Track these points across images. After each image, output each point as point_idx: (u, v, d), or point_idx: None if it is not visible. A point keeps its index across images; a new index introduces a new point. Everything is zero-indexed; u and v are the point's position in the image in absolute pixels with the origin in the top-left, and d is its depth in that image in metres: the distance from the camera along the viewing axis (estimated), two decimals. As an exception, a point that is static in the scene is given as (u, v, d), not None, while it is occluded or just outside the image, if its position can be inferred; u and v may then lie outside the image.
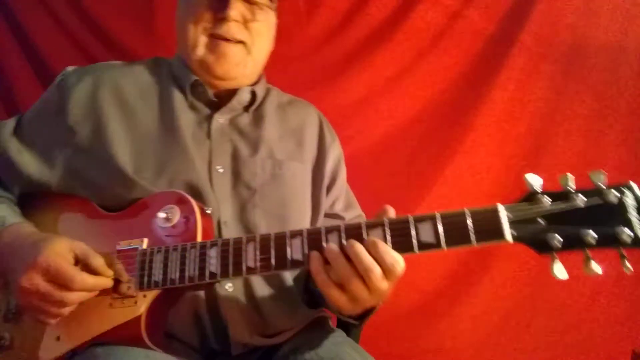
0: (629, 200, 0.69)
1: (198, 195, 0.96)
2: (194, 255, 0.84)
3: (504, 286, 1.73)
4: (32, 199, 1.04)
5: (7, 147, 1.03)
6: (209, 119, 1.06)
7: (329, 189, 1.16)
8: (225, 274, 0.82)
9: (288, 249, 0.80)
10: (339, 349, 0.95)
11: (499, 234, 0.71)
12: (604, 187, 0.70)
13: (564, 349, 1.69)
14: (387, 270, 0.74)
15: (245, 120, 1.11)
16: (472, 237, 0.72)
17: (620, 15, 1.75)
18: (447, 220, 0.74)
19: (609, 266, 0.69)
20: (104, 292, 0.86)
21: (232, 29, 1.03)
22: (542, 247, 0.71)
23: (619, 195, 0.69)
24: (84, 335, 0.85)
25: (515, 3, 1.80)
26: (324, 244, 0.78)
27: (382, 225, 0.77)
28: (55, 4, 1.87)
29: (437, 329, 1.75)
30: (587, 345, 1.68)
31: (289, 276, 1.05)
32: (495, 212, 0.72)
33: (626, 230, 0.68)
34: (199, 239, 0.87)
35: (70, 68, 1.10)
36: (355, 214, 1.22)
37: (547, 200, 0.72)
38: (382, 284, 0.75)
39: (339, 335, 1.02)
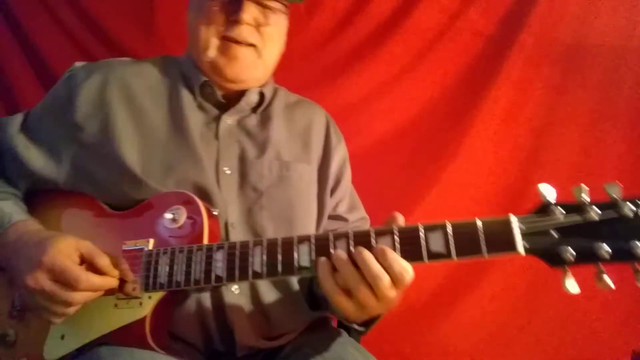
0: (645, 215, 0.67)
1: (205, 196, 0.95)
2: (200, 258, 0.83)
3: (505, 286, 1.73)
4: (38, 195, 1.04)
5: (15, 143, 1.03)
6: (217, 119, 1.06)
7: (333, 190, 1.15)
8: (231, 278, 0.81)
9: (295, 255, 0.79)
10: (341, 349, 0.95)
11: (511, 246, 0.70)
12: (619, 200, 0.69)
13: (564, 349, 1.69)
14: (395, 279, 0.73)
15: (252, 121, 1.10)
16: (484, 248, 0.71)
17: (620, 16, 1.75)
18: (458, 230, 0.73)
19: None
20: (109, 292, 0.86)
21: (245, 32, 1.02)
22: (555, 260, 0.69)
23: (634, 209, 0.68)
24: (89, 335, 0.86)
25: (515, 3, 1.79)
26: (332, 251, 0.77)
27: (391, 232, 0.75)
28: (55, 4, 1.87)
29: (440, 329, 1.74)
30: (587, 345, 1.67)
31: (294, 279, 1.05)
32: (507, 224, 0.71)
33: (642, 245, 0.66)
34: (206, 240, 0.87)
35: (78, 64, 1.10)
36: (359, 216, 1.21)
37: (560, 212, 0.70)
38: (390, 293, 0.74)
39: (341, 336, 1.02)
